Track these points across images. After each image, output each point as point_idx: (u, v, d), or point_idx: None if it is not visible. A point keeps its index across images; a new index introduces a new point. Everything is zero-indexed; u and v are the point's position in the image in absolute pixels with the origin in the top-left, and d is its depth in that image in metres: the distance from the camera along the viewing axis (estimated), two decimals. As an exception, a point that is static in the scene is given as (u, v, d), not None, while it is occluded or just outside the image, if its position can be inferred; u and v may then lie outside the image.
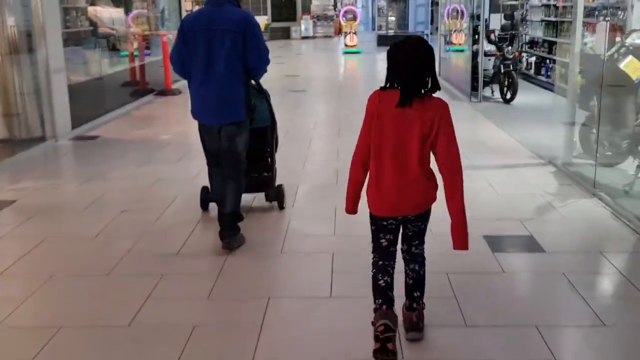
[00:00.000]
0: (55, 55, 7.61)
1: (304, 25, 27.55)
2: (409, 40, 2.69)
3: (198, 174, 5.96)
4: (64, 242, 4.36)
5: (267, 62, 4.20)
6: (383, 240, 2.85)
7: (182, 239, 4.34)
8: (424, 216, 2.82)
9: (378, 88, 2.73)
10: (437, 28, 27.50)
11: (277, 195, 4.93)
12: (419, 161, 2.65)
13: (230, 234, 4.15)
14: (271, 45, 25.20)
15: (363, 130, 2.75)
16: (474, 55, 10.31)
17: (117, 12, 10.49)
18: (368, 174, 2.78)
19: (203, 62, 4.02)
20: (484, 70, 10.09)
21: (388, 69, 2.69)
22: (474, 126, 8.31)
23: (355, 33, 20.01)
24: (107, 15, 10.29)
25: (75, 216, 4.93)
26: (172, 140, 7.61)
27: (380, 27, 24.40)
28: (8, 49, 7.22)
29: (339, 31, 26.92)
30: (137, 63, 10.99)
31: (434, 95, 2.69)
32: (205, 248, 4.22)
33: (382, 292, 2.83)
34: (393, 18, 25.10)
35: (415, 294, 2.95)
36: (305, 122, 8.65)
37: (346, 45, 19.98)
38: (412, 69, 2.62)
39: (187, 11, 28.95)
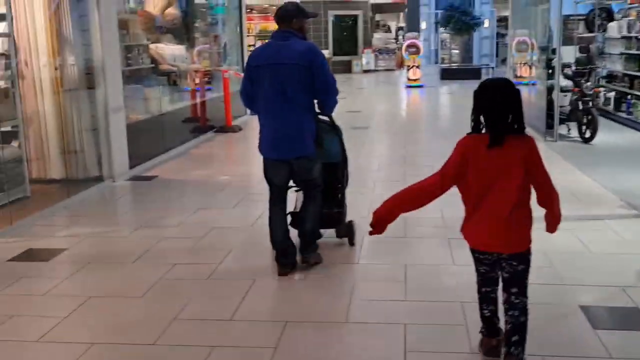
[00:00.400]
0: (115, 94, 7.43)
1: (366, 58, 27.29)
2: (496, 82, 2.84)
3: (255, 221, 5.58)
4: (109, 303, 3.99)
5: (335, 92, 4.19)
6: (481, 269, 2.98)
7: (235, 301, 3.91)
8: (520, 257, 2.82)
9: (466, 133, 2.86)
10: (502, 60, 26.87)
11: (347, 232, 4.81)
12: (513, 199, 2.73)
13: (309, 250, 4.27)
14: (332, 79, 25.17)
15: (450, 165, 2.84)
16: (549, 90, 9.67)
17: (179, 49, 10.37)
18: (465, 212, 2.89)
19: (270, 96, 4.02)
20: (560, 107, 9.43)
21: (475, 110, 2.79)
22: (553, 168, 7.55)
23: (418, 67, 19.54)
24: (169, 52, 10.16)
25: (125, 270, 4.58)
26: (230, 182, 7.27)
27: (443, 60, 23.87)
28: (68, 86, 7.07)
29: (400, 64, 26.51)
30: (197, 99, 10.82)
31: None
32: (261, 313, 3.78)
33: (488, 322, 3.04)
34: (456, 51, 24.56)
35: (513, 339, 2.82)
36: (368, 163, 8.19)
37: (409, 79, 19.51)
38: (501, 110, 2.74)
39: (249, 46, 29.25)
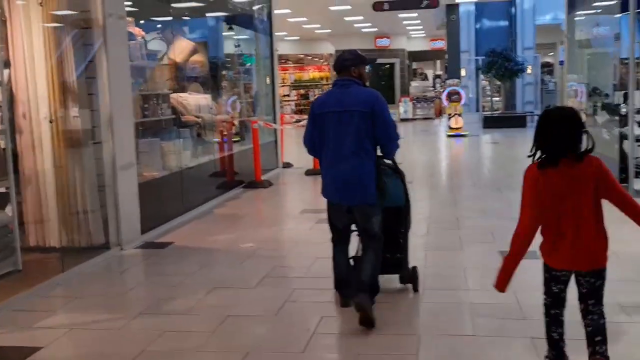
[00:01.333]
0: (125, 149, 6.49)
1: (403, 107, 26.31)
2: (565, 110, 3.01)
3: (282, 306, 4.45)
4: None
5: (397, 137, 4.24)
6: (555, 288, 3.01)
7: None
8: (598, 274, 2.94)
9: (533, 164, 2.99)
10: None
11: (411, 278, 4.72)
12: (592, 217, 2.89)
13: (364, 296, 4.03)
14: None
15: (525, 205, 2.96)
16: (620, 139, 8.45)
17: (204, 99, 9.47)
18: (542, 237, 2.98)
19: (333, 143, 4.10)
20: (635, 158, 8.18)
21: (540, 135, 2.94)
22: (628, 230, 6.39)
23: (460, 115, 18.45)
24: (193, 101, 9.28)
25: (107, 382, 3.48)
26: (255, 252, 6.17)
27: (484, 108, 22.74)
28: (71, 141, 6.16)
29: (439, 113, 25.49)
30: (224, 153, 9.85)
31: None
32: None
33: (555, 345, 3.02)
34: (496, 98, 23.43)
35: (597, 339, 2.92)
36: (416, 226, 7.00)
37: (450, 128, 18.41)
38: (567, 133, 2.88)
39: (283, 96, 28.65)
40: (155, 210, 7.12)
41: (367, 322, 3.95)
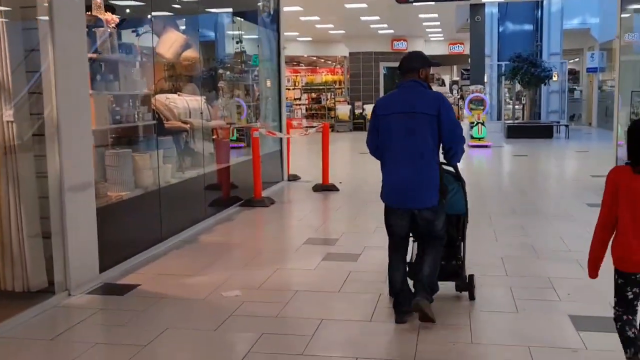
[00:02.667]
0: (78, 164, 4.98)
1: (420, 113, 24.73)
2: None
3: None
4: None
5: (463, 141, 4.15)
6: (629, 293, 3.03)
7: None
8: None
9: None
10: (571, 117, 23.93)
11: (468, 285, 4.56)
12: None
13: (424, 294, 4.01)
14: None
15: (605, 201, 3.05)
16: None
17: (196, 101, 7.95)
18: (617, 236, 3.04)
19: (397, 145, 4.02)
20: None
21: (628, 144, 3.00)
22: None
23: (483, 124, 16.82)
24: (182, 104, 7.76)
25: None
26: (239, 306, 4.61)
27: (506, 117, 21.11)
28: (1, 156, 4.65)
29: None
30: (218, 164, 8.33)
31: None
32: None
33: (633, 342, 3.02)
34: (518, 106, 21.80)
35: None
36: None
37: (473, 138, 16.77)
38: None
39: (294, 100, 27.13)
40: (120, 241, 5.61)
41: (427, 319, 3.95)
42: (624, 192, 2.99)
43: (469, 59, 20.70)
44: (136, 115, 6.47)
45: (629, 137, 3.02)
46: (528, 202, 8.90)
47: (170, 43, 8.03)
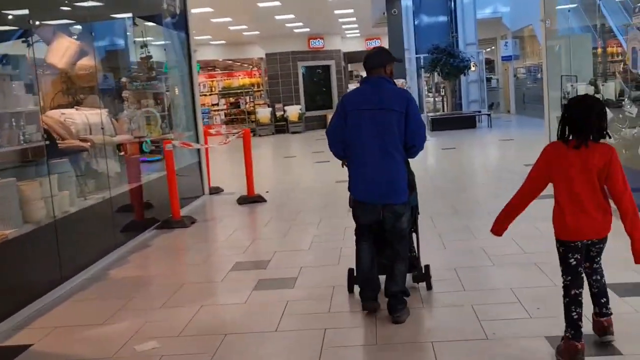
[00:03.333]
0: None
1: (342, 112, 24.21)
2: (586, 97, 3.33)
3: None
4: None
5: (425, 139, 4.13)
6: (572, 260, 3.24)
7: None
8: (605, 239, 3.28)
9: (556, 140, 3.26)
10: (490, 106, 23.95)
11: (424, 276, 4.61)
12: (593, 194, 3.17)
13: (401, 307, 4.07)
14: (307, 137, 21.81)
15: (535, 169, 3.32)
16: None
17: (96, 115, 6.94)
18: (555, 208, 3.27)
19: (368, 141, 3.99)
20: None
21: (565, 119, 3.20)
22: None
23: (407, 118, 16.38)
24: (80, 120, 6.75)
25: None
26: (156, 362, 3.75)
27: (428, 109, 20.87)
28: None
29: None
30: (129, 184, 7.35)
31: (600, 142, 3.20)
32: None
33: (575, 325, 3.20)
34: (438, 98, 21.66)
35: (602, 300, 3.39)
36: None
37: (398, 133, 16.32)
38: (589, 119, 3.15)
39: (212, 106, 26.07)
40: (6, 290, 4.60)
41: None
42: (561, 169, 3.20)
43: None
44: (21, 137, 5.46)
45: (573, 115, 3.19)
46: (468, 199, 8.39)
47: (63, 51, 7.01)
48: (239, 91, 25.02)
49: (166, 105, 9.43)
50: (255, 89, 26.21)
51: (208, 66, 29.55)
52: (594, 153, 3.14)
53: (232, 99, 24.83)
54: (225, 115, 24.68)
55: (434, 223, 6.82)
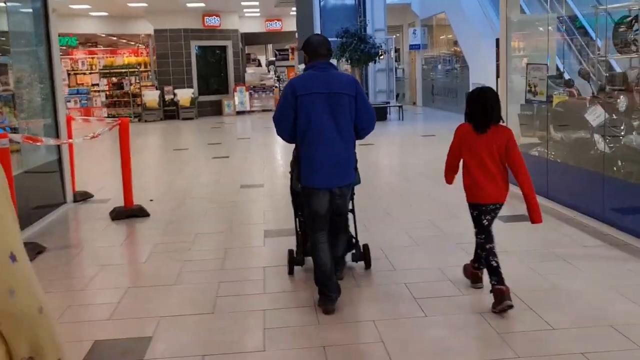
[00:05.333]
0: None
1: (239, 97, 21.86)
2: (487, 90, 3.91)
3: None
4: None
5: (374, 123, 4.18)
6: (484, 221, 3.83)
7: None
8: (502, 205, 3.87)
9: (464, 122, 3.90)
10: (396, 96, 22.57)
11: (363, 255, 4.71)
12: (496, 167, 3.77)
13: (340, 268, 4.42)
14: (200, 125, 19.26)
15: (452, 148, 3.97)
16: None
17: None
18: (468, 180, 3.84)
19: (321, 125, 3.97)
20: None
21: (472, 108, 3.83)
22: None
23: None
24: None
25: None
26: None
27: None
28: None
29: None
30: None
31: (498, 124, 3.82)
32: None
33: (496, 272, 3.76)
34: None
35: (483, 255, 3.96)
36: None
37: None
38: (493, 107, 3.78)
39: (92, 86, 22.90)
40: None
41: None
42: (468, 146, 3.81)
43: (296, 35, 18.19)
44: None
45: (469, 104, 3.84)
46: (412, 209, 6.48)
47: None
48: (123, 70, 21.96)
49: (12, 83, 6.80)
50: (142, 69, 23.27)
51: (89, 42, 26.07)
52: (496, 134, 3.76)
53: (114, 79, 21.73)
54: (107, 97, 21.58)
55: (377, 238, 4.88)
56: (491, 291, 3.75)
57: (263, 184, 8.50)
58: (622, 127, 5.56)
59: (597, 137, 5.79)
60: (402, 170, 9.82)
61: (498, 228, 4.56)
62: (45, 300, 1.15)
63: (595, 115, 5.57)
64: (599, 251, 4.92)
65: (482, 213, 3.81)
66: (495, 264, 3.75)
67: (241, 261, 5.06)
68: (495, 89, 13.81)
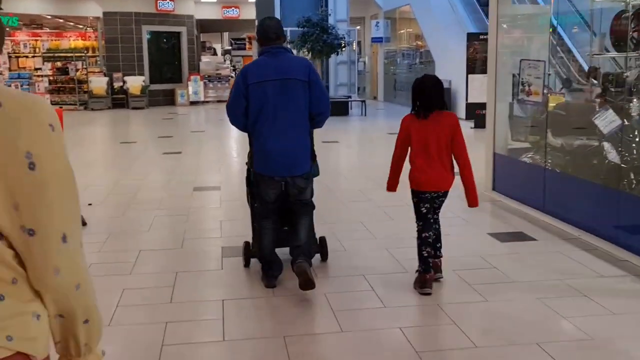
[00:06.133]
0: None
1: (193, 87, 20.66)
2: (427, 77, 3.96)
3: None
4: None
5: (329, 107, 4.07)
6: (423, 209, 3.89)
7: None
8: (446, 193, 3.93)
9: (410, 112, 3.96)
10: (358, 89, 21.78)
11: (320, 248, 4.56)
12: (440, 154, 3.80)
13: (305, 260, 3.98)
14: (151, 115, 17.96)
15: (399, 138, 3.94)
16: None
17: None
18: (412, 167, 3.90)
19: (272, 114, 3.86)
20: None
21: (413, 96, 3.89)
22: None
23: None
24: None
25: None
26: None
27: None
28: None
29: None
30: None
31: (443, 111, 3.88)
32: None
33: (425, 261, 3.92)
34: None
35: (438, 245, 4.10)
36: None
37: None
38: (431, 94, 3.85)
39: (34, 71, 21.33)
40: None
41: (309, 284, 3.78)
42: (415, 134, 3.84)
43: (255, 22, 17.08)
44: None
45: (412, 92, 3.88)
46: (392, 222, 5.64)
47: None
48: (68, 55, 20.45)
49: None
50: (90, 53, 21.79)
51: (33, 23, 24.35)
52: (441, 120, 3.82)
53: (59, 64, 20.20)
54: (50, 83, 20.05)
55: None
56: (416, 272, 3.99)
57: (219, 185, 7.52)
58: (637, 135, 4.83)
59: (607, 145, 5.04)
60: (371, 171, 8.96)
61: (496, 248, 4.83)
62: (85, 277, 1.21)
63: (608, 120, 4.81)
64: (621, 284, 4.15)
65: (422, 200, 3.90)
66: (426, 254, 3.92)
67: (194, 291, 4.10)
68: (465, 84, 13.03)
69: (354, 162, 10.16)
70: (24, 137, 1.07)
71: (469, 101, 13.31)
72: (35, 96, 1.16)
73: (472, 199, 3.89)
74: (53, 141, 1.11)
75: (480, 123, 13.01)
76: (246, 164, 4.28)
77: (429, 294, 3.84)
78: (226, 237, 5.32)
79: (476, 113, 13.26)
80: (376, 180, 7.28)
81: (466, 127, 13.46)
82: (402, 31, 20.82)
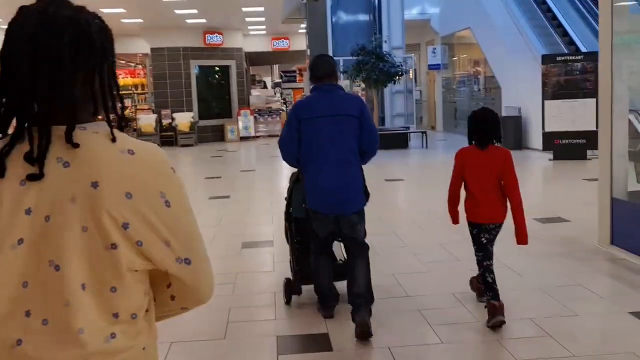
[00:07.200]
0: None
1: (243, 122, 19.84)
2: (483, 110, 4.03)
3: None
4: None
5: (378, 144, 3.99)
6: (483, 239, 3.90)
7: None
8: (501, 225, 3.93)
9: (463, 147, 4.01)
10: (421, 119, 20.50)
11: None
12: (495, 188, 3.86)
13: (367, 312, 3.84)
14: (200, 153, 16.82)
15: (455, 172, 3.98)
16: None
17: None
18: (470, 199, 3.94)
19: (324, 150, 3.82)
20: None
21: (469, 129, 3.92)
22: None
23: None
24: None
25: None
26: None
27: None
28: None
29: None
30: None
31: (498, 145, 3.93)
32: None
33: (491, 288, 3.84)
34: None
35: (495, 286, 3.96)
36: None
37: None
38: (487, 126, 3.87)
39: None
40: None
41: (366, 336, 3.73)
42: (469, 166, 3.90)
43: (308, 52, 16.17)
44: None
45: (470, 123, 3.92)
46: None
47: None
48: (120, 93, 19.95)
49: None
50: (139, 91, 21.35)
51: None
52: (495, 154, 3.85)
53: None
54: (99, 122, 19.53)
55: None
56: (486, 306, 3.89)
57: (272, 239, 6.39)
58: None
59: None
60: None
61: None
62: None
63: None
64: None
65: (481, 231, 3.92)
66: (490, 280, 3.86)
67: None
68: (541, 111, 11.49)
69: (428, 205, 8.86)
70: (157, 180, 1.24)
71: (545, 130, 11.89)
72: (156, 145, 1.32)
73: (522, 237, 3.89)
74: (176, 181, 1.29)
75: (560, 154, 11.60)
76: (285, 199, 4.36)
77: (503, 322, 3.76)
78: (281, 319, 4.15)
79: (555, 143, 11.84)
80: (464, 234, 5.98)
81: (544, 160, 12.02)
82: (457, 57, 19.56)
